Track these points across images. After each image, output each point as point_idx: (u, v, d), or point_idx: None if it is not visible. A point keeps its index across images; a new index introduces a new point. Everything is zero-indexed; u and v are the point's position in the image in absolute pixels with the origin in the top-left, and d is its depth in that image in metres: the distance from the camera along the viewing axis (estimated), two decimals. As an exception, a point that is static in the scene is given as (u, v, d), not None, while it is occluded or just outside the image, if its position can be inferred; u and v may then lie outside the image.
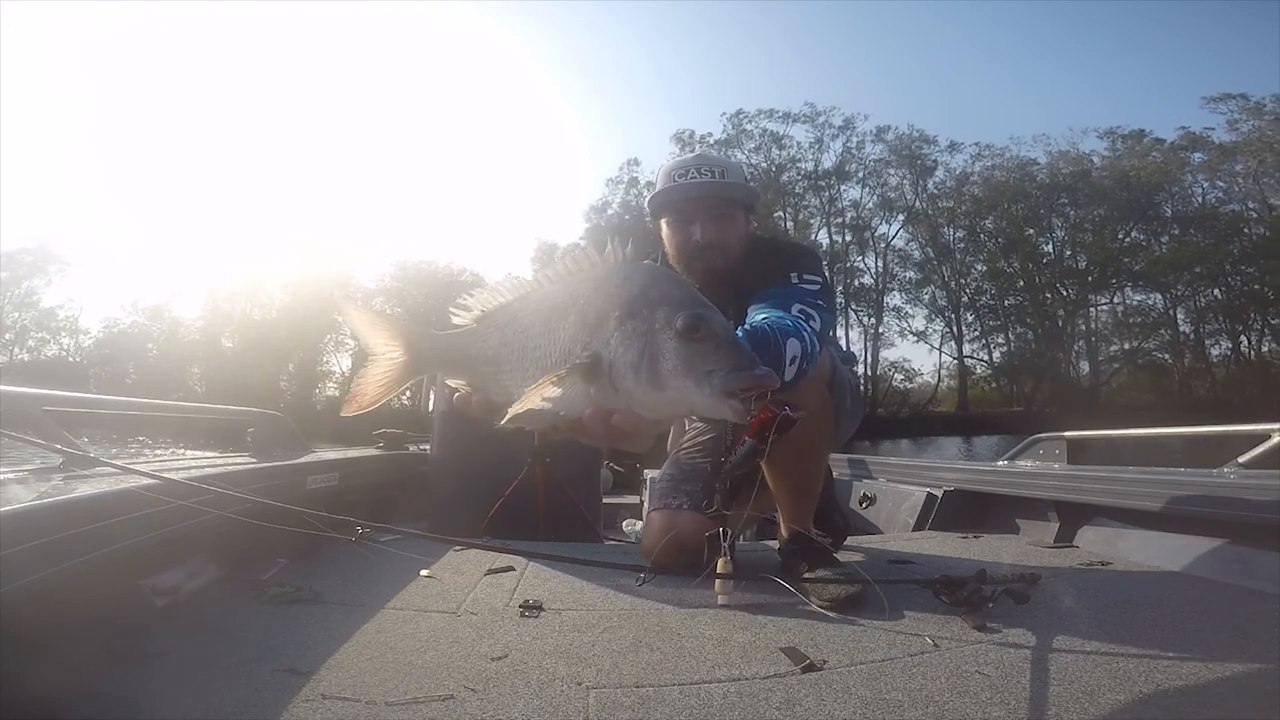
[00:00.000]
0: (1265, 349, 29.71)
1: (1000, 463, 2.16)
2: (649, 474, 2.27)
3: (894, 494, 2.29)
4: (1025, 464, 2.06)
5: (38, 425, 1.12)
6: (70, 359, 29.65)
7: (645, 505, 2.40)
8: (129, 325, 30.84)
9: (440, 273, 33.04)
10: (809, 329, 1.04)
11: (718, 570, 1.15)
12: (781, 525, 1.35)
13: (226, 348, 31.12)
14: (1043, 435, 2.09)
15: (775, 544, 1.40)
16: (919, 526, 2.03)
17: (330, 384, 33.25)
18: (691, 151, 1.66)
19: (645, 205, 1.45)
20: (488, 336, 0.69)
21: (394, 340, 0.76)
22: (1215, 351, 30.53)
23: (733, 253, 1.33)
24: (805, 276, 1.22)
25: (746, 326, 1.00)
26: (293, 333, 29.86)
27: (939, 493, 2.05)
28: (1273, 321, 29.15)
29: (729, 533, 1.21)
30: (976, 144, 33.07)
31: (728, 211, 1.34)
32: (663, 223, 1.38)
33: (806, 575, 1.20)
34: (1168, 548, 1.35)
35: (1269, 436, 1.43)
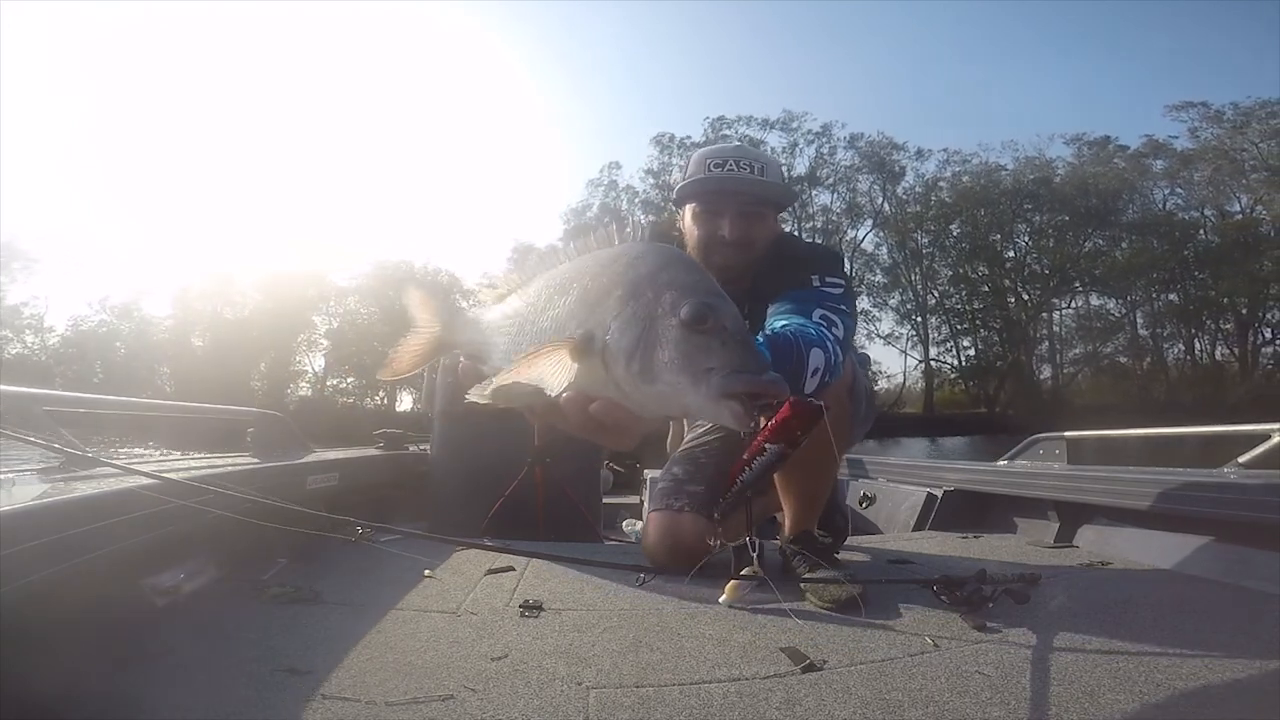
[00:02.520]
0: (1218, 353, 30.79)
1: (1000, 463, 2.16)
2: (649, 474, 2.27)
3: (894, 494, 2.29)
4: (1025, 464, 2.06)
5: (38, 425, 1.12)
6: (35, 357, 29.04)
7: (645, 505, 2.40)
8: (96, 323, 30.39)
9: (416, 273, 32.92)
10: (832, 337, 1.00)
11: (743, 572, 1.14)
12: (785, 526, 1.35)
13: (197, 346, 30.76)
14: (1042, 435, 2.09)
15: (776, 543, 1.40)
16: (919, 526, 2.03)
17: (303, 383, 33.01)
18: (728, 143, 1.61)
19: (673, 190, 1.37)
20: (498, 310, 0.68)
21: (433, 316, 0.78)
22: (1172, 355, 31.72)
23: (756, 252, 1.29)
24: (828, 280, 1.17)
25: (767, 332, 0.97)
26: (265, 332, 29.52)
27: (939, 493, 2.06)
28: (1224, 326, 30.19)
29: (758, 542, 1.20)
30: (945, 150, 33.94)
31: (760, 211, 1.30)
32: (687, 210, 1.33)
33: (807, 576, 1.20)
34: (1168, 547, 1.35)
35: (1269, 436, 1.43)
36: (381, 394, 32.31)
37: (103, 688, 0.77)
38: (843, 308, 1.11)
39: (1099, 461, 1.90)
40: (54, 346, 30.16)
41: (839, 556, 1.36)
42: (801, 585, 1.17)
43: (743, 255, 1.29)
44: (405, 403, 32.23)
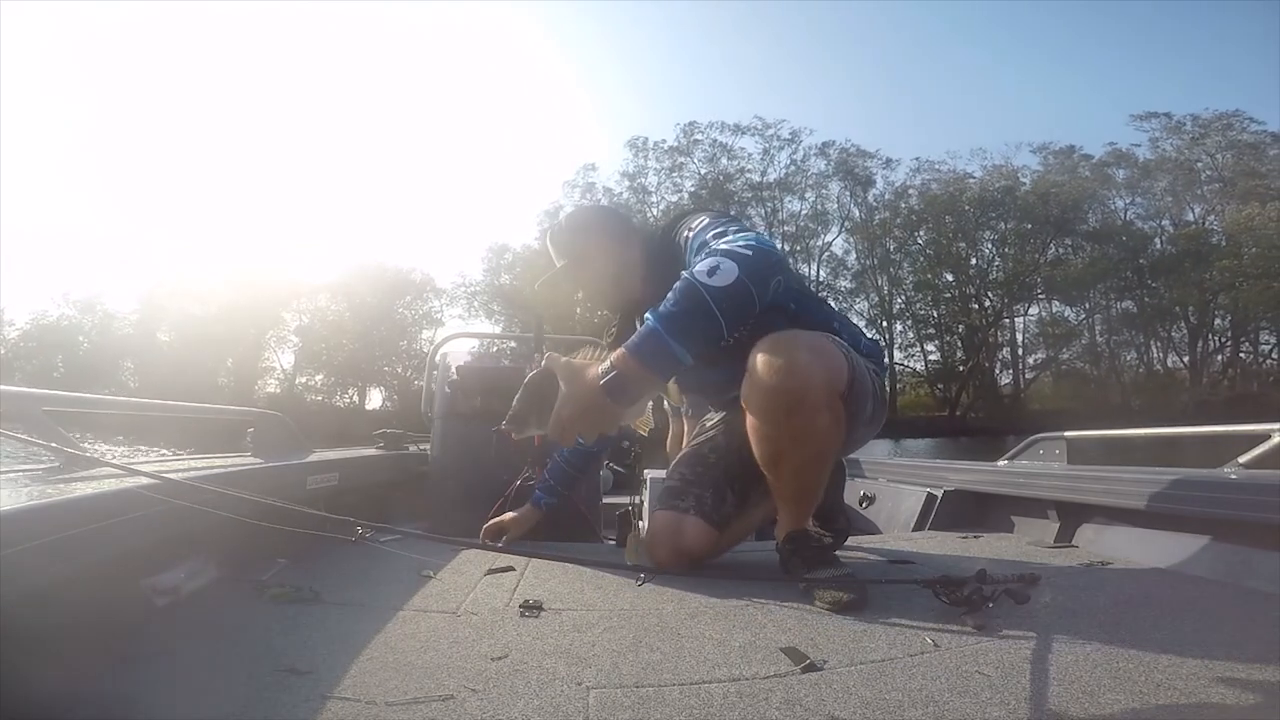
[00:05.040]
0: (1169, 360, 32.32)
1: (1000, 463, 2.16)
2: (649, 474, 2.27)
3: (894, 494, 2.29)
4: (1025, 464, 2.06)
5: (38, 425, 1.12)
6: (-7, 351, 28.74)
7: (646, 505, 2.40)
8: (58, 318, 30.09)
9: (389, 271, 32.86)
10: (726, 243, 1.08)
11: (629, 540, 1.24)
12: (780, 526, 1.34)
13: (162, 342, 30.48)
14: (1042, 435, 2.09)
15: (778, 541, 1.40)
16: (919, 526, 2.03)
17: (271, 380, 32.82)
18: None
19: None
20: None
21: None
22: (1128, 361, 33.23)
23: (614, 287, 1.41)
24: (691, 226, 1.26)
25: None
26: (233, 328, 29.25)
27: (939, 493, 2.06)
28: (1176, 334, 31.69)
29: (640, 503, 1.27)
30: (917, 159, 35.89)
31: (576, 268, 1.40)
32: None
33: (807, 576, 1.20)
34: (1168, 547, 1.35)
35: (1269, 436, 1.43)
36: (352, 392, 32.19)
37: (103, 688, 0.77)
38: (719, 226, 1.21)
39: (1099, 461, 1.90)
40: (13, 341, 29.71)
41: (837, 556, 1.35)
42: (802, 586, 1.17)
43: (607, 301, 1.46)
44: (374, 401, 32.24)
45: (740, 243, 1.07)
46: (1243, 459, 1.44)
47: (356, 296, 31.64)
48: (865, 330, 1.44)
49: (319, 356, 32.29)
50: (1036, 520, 1.77)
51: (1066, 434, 1.99)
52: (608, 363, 1.02)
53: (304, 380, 32.93)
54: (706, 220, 1.24)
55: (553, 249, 1.45)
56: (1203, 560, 1.26)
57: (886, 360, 1.51)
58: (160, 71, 54.23)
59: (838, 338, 1.24)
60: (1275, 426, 1.43)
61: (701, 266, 1.03)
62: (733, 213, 1.51)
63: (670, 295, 1.02)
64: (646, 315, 1.03)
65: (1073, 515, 1.66)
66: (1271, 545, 1.14)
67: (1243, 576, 1.16)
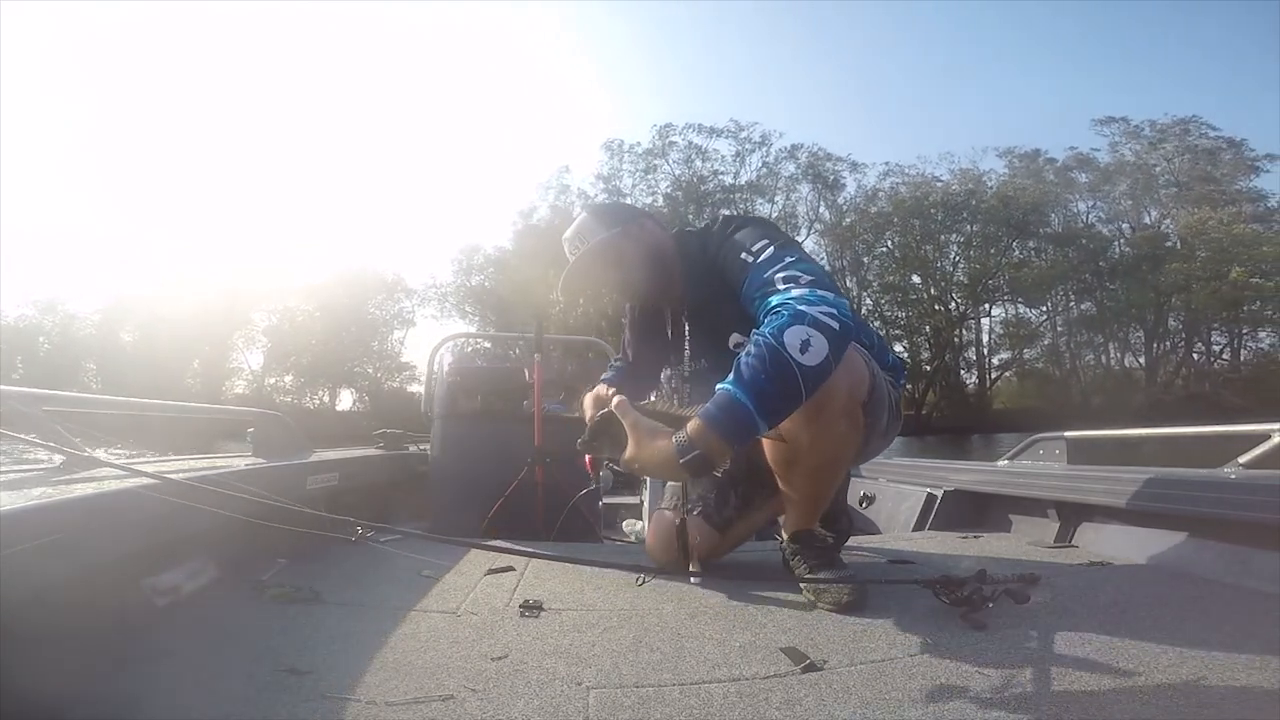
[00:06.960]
0: (1126, 360, 32.86)
1: (1000, 463, 2.16)
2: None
3: (894, 494, 2.29)
4: (1025, 464, 2.06)
5: (38, 425, 1.12)
6: (-53, 352, 27.90)
7: (646, 505, 2.40)
8: (15, 319, 29.37)
9: (360, 272, 32.56)
10: (800, 295, 1.03)
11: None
12: (784, 526, 1.34)
13: (126, 342, 29.88)
14: (1042, 435, 2.09)
15: (778, 542, 1.40)
16: (919, 526, 2.03)
17: (240, 381, 32.19)
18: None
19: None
20: None
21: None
22: (1088, 361, 33.72)
23: (640, 280, 1.36)
24: (754, 249, 1.17)
25: (741, 355, 1.00)
26: (200, 329, 28.59)
27: (939, 493, 2.06)
28: (1131, 336, 32.27)
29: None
30: (887, 163, 35.82)
31: (607, 264, 1.35)
32: None
33: (808, 576, 1.20)
34: (1168, 548, 1.35)
35: (1269, 436, 1.43)
36: (322, 393, 31.95)
37: (103, 688, 0.77)
38: (788, 259, 1.12)
39: (1099, 461, 1.90)
40: (-33, 342, 28.69)
41: (840, 557, 1.35)
42: (802, 586, 1.17)
43: (633, 296, 1.45)
44: (345, 402, 31.98)
45: (823, 309, 1.00)
46: (1243, 459, 1.44)
47: (326, 297, 30.97)
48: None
49: (288, 357, 31.57)
50: (1036, 520, 1.77)
51: (1066, 434, 1.98)
52: (686, 436, 0.98)
53: (273, 381, 32.27)
54: (770, 249, 1.16)
55: (580, 234, 1.36)
56: (1203, 560, 1.26)
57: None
58: (125, 70, 53.03)
59: (863, 349, 1.22)
60: (1275, 426, 1.43)
61: (792, 338, 0.97)
62: (706, 219, 1.46)
63: (756, 365, 0.96)
64: (726, 386, 0.98)
65: (1073, 515, 1.66)
66: (1271, 545, 1.14)
67: (1243, 576, 1.16)
